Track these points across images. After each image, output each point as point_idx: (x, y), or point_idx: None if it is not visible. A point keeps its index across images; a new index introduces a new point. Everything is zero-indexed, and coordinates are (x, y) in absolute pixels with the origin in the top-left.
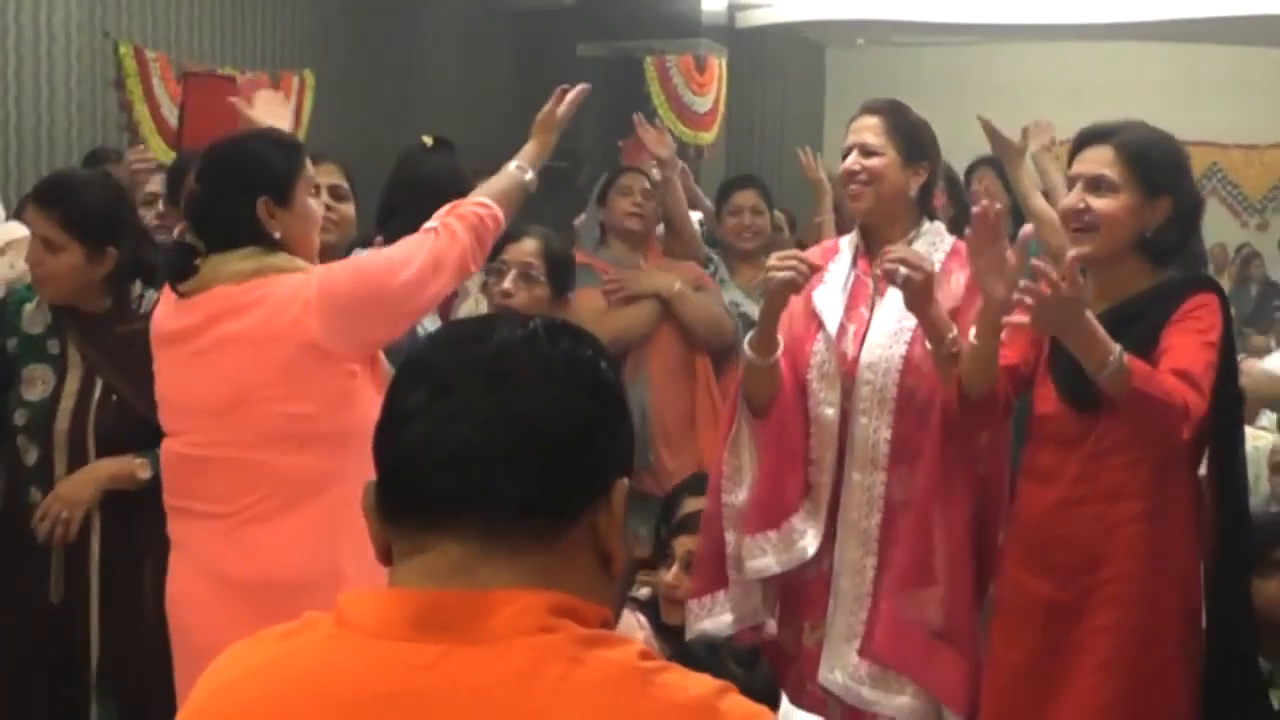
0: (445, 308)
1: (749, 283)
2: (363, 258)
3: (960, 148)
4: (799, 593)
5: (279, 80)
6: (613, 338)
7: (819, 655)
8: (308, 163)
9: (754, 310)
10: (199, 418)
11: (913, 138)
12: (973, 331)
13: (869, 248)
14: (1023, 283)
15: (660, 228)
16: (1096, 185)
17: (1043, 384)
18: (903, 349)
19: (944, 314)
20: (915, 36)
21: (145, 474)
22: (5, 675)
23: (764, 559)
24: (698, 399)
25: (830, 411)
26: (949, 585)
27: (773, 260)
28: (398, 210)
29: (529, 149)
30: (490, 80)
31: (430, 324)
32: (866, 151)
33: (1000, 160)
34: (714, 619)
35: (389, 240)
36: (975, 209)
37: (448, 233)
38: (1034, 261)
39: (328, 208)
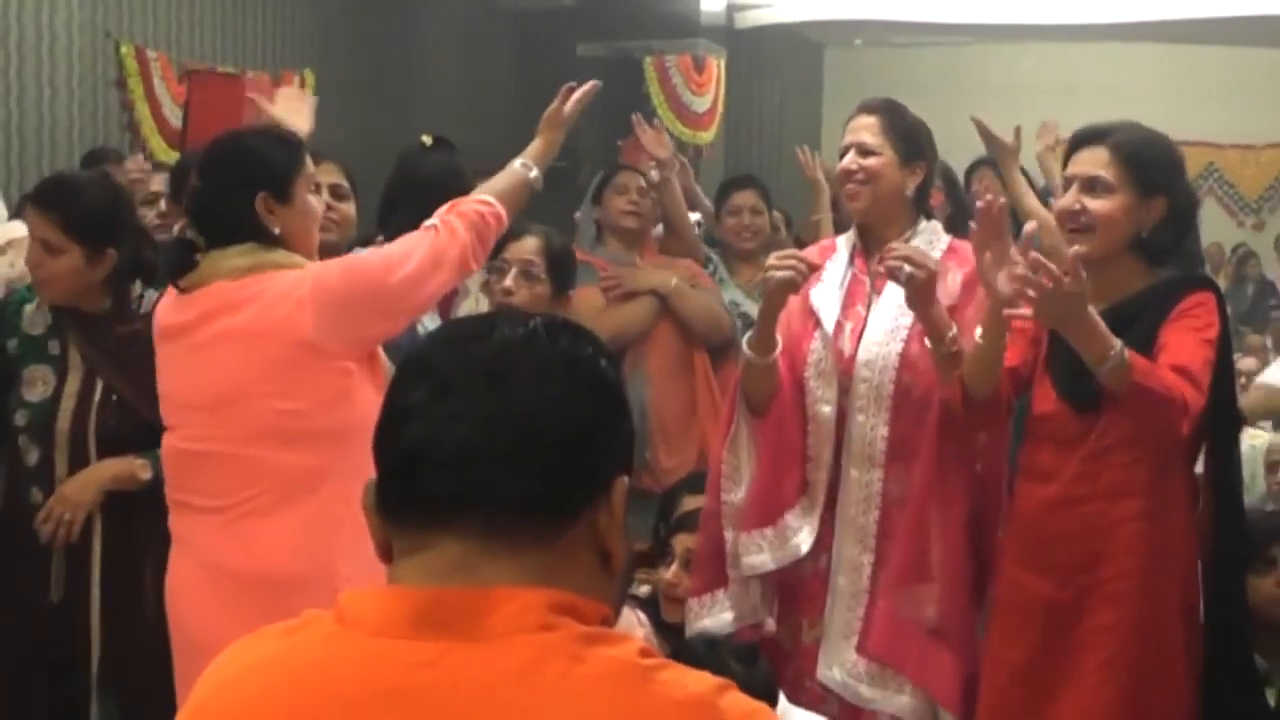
0: (445, 306)
1: (748, 282)
2: (359, 255)
3: (958, 147)
4: (797, 590)
5: (279, 80)
6: (611, 335)
7: (817, 652)
8: (308, 160)
9: (754, 310)
10: (196, 412)
11: (910, 137)
12: (979, 331)
13: (866, 246)
14: (1019, 270)
15: (660, 228)
16: (1092, 186)
17: (1041, 383)
18: (899, 346)
19: (944, 312)
20: (913, 37)
21: (146, 475)
22: (5, 675)
23: (760, 555)
24: (696, 395)
25: (827, 409)
26: (945, 582)
27: (771, 260)
28: (398, 209)
29: (535, 147)
30: (490, 80)
31: (430, 322)
32: (864, 151)
33: (994, 161)
34: (714, 617)
35: (389, 239)
36: (979, 204)
37: (448, 230)
38: (1033, 254)
39: (328, 207)
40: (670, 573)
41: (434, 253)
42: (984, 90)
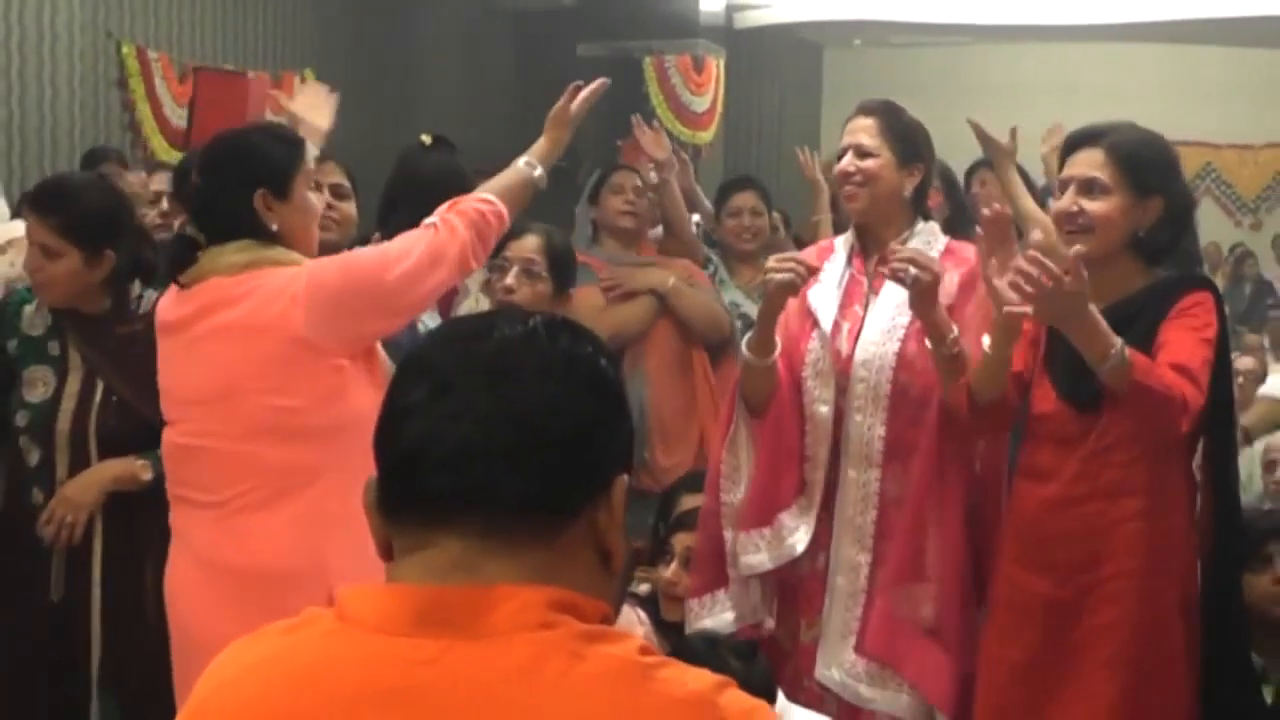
0: (446, 305)
1: (748, 283)
2: (356, 252)
3: (957, 148)
4: (795, 590)
5: (280, 79)
6: (611, 334)
7: (815, 652)
8: (308, 157)
9: (754, 311)
10: (192, 407)
11: (907, 139)
12: (986, 340)
13: (864, 247)
14: (1018, 262)
15: (659, 229)
16: (1089, 188)
17: (1040, 383)
18: (896, 346)
19: (946, 314)
20: (912, 37)
21: (147, 475)
22: (5, 675)
23: (757, 555)
24: (694, 394)
25: (824, 409)
26: (941, 582)
27: (771, 262)
28: (398, 209)
29: (539, 145)
30: (490, 80)
31: (431, 321)
32: (861, 153)
33: (991, 162)
34: (715, 618)
35: (388, 238)
36: (985, 212)
37: (447, 228)
38: (1031, 253)
39: (329, 206)
40: (670, 571)
41: (432, 250)
42: (983, 90)
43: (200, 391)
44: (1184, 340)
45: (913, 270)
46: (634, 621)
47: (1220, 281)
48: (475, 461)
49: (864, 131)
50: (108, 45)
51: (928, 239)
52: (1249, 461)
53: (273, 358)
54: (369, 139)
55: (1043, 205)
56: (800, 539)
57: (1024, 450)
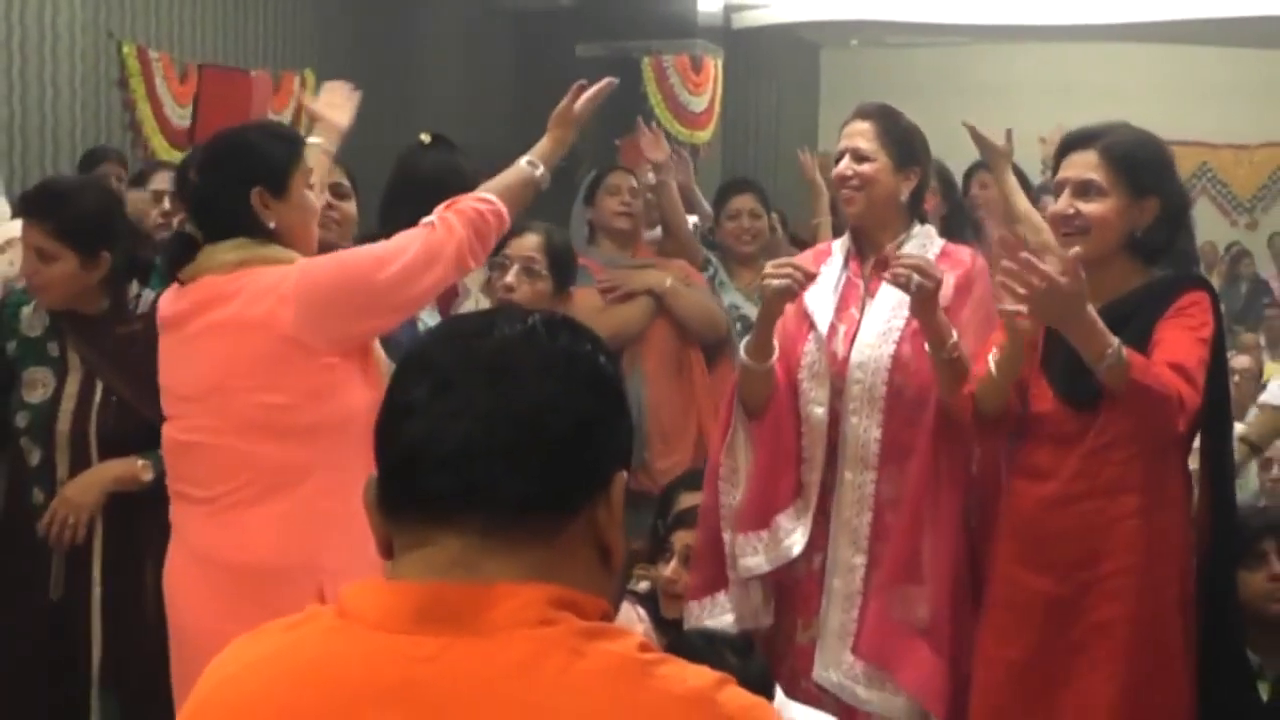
0: (446, 305)
1: (748, 286)
2: (350, 251)
3: (954, 147)
4: (791, 591)
5: (280, 79)
6: (609, 335)
7: (811, 652)
8: (306, 155)
9: (754, 313)
10: (187, 403)
11: (904, 142)
12: (992, 359)
13: (860, 250)
14: (1007, 263)
15: (658, 230)
16: (1085, 190)
17: (1037, 383)
18: (891, 348)
19: (946, 319)
20: (909, 37)
21: (148, 475)
22: (5, 675)
23: (755, 558)
24: (692, 394)
25: (820, 411)
26: (937, 583)
27: (769, 268)
28: (397, 208)
29: (543, 145)
30: (490, 80)
31: (430, 319)
32: (858, 157)
33: (987, 164)
34: (715, 620)
35: (388, 238)
36: (997, 236)
37: (444, 227)
38: (1023, 255)
39: (329, 206)
40: (669, 569)
41: (428, 249)
42: (980, 90)
43: (194, 387)
44: (1180, 340)
45: (916, 278)
46: (633, 619)
47: (1216, 280)
48: (476, 460)
49: (861, 135)
50: (109, 45)
51: (924, 242)
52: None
53: (262, 355)
54: (369, 139)
55: (1038, 204)
56: (797, 541)
57: (1021, 449)
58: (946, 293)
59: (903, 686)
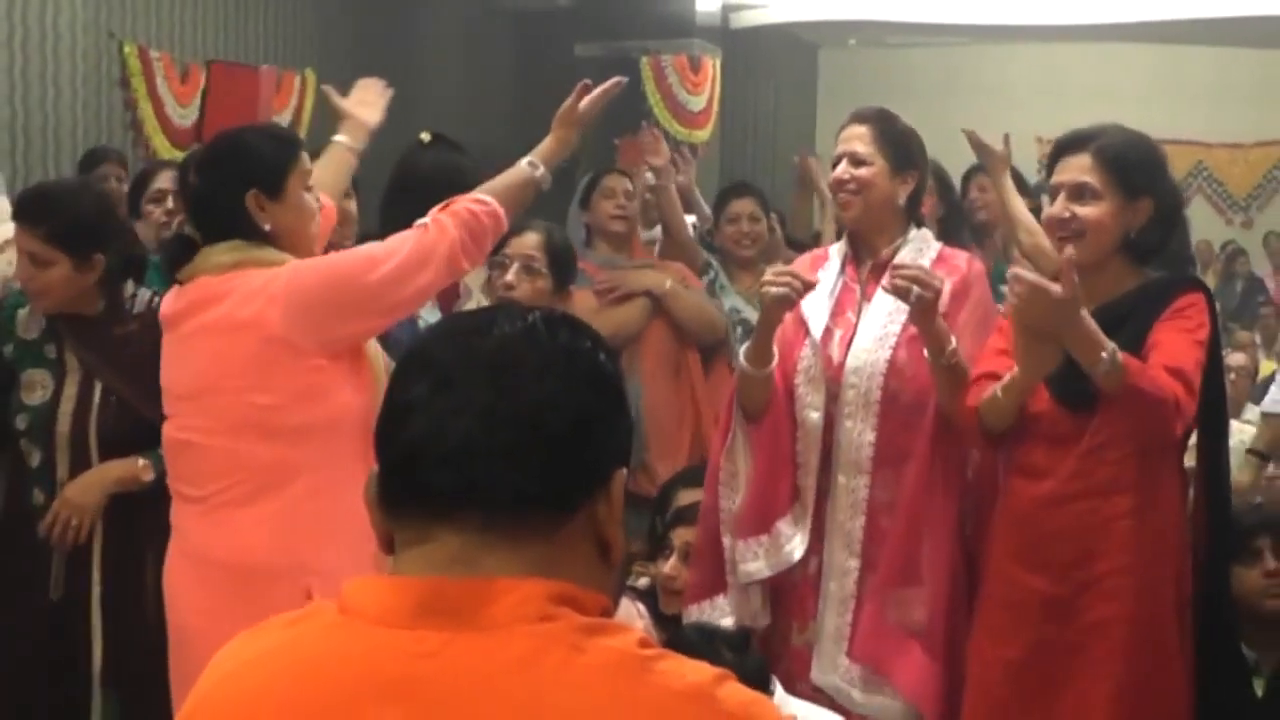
0: (447, 305)
1: (748, 289)
2: (341, 253)
3: (951, 148)
4: (787, 594)
5: (280, 79)
6: (606, 336)
7: (807, 655)
8: (304, 156)
9: (754, 316)
10: (182, 402)
11: (901, 146)
12: (1000, 387)
13: (857, 254)
14: (1014, 270)
15: (656, 230)
16: (1079, 193)
17: None
18: (887, 353)
19: (945, 326)
20: (906, 37)
21: (149, 475)
22: (5, 675)
23: (755, 563)
24: (689, 396)
25: (815, 415)
26: (934, 585)
27: (768, 276)
28: (397, 206)
29: (544, 145)
30: (490, 80)
31: (431, 318)
32: (856, 161)
33: (985, 168)
34: (713, 623)
35: (386, 236)
36: (1013, 272)
37: (437, 228)
38: (1012, 270)
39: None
40: (669, 565)
41: (420, 251)
42: (977, 90)
43: (188, 387)
44: (1176, 342)
45: (916, 289)
46: (633, 615)
47: (1212, 279)
48: (476, 458)
49: (858, 139)
50: (110, 45)
51: (920, 246)
52: (1239, 456)
53: (251, 356)
54: (369, 138)
55: (1036, 203)
56: (797, 546)
57: (1018, 449)
58: (943, 298)
59: (897, 689)
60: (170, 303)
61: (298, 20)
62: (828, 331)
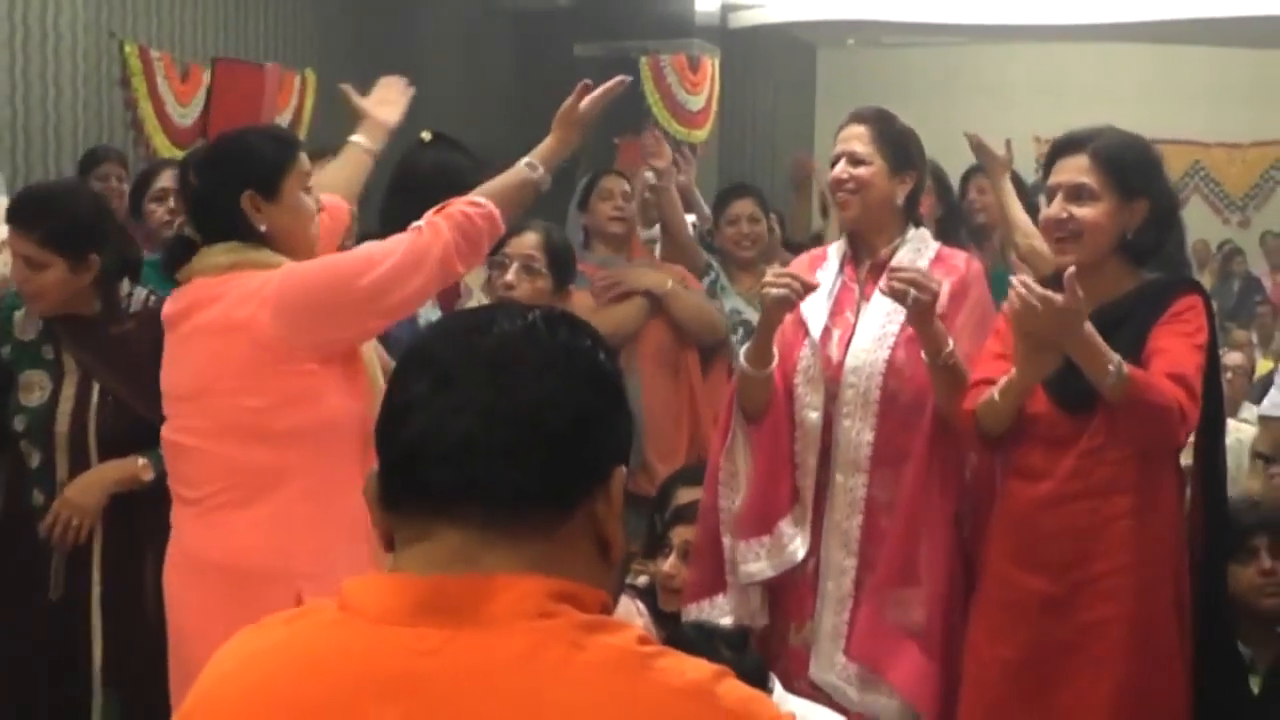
0: (448, 305)
1: (749, 290)
2: (333, 256)
3: (949, 148)
4: (785, 594)
5: (281, 79)
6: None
7: (805, 654)
8: (301, 158)
9: (755, 317)
10: (178, 403)
11: (900, 146)
12: (997, 391)
13: (855, 254)
14: (1017, 279)
15: (655, 229)
16: (1077, 194)
17: None
18: (886, 353)
19: (942, 327)
20: (905, 37)
21: (149, 475)
22: (5, 675)
23: (757, 563)
24: (687, 396)
25: (814, 415)
26: (932, 585)
27: (768, 277)
28: (397, 206)
29: (544, 145)
30: (489, 80)
31: (431, 317)
32: (854, 160)
33: (985, 172)
34: (712, 622)
35: (387, 235)
36: (1016, 281)
37: (431, 231)
38: (1016, 278)
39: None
40: (668, 564)
41: (412, 254)
42: (975, 90)
43: (184, 388)
44: (1177, 348)
45: (913, 292)
46: (633, 613)
47: (1209, 278)
48: (476, 456)
49: (857, 139)
50: (110, 44)
51: (919, 246)
52: (1237, 455)
53: (242, 359)
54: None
55: (1032, 202)
56: (799, 546)
57: (1015, 450)
58: (942, 298)
59: (894, 688)
60: (170, 303)
61: (298, 20)
62: (826, 331)
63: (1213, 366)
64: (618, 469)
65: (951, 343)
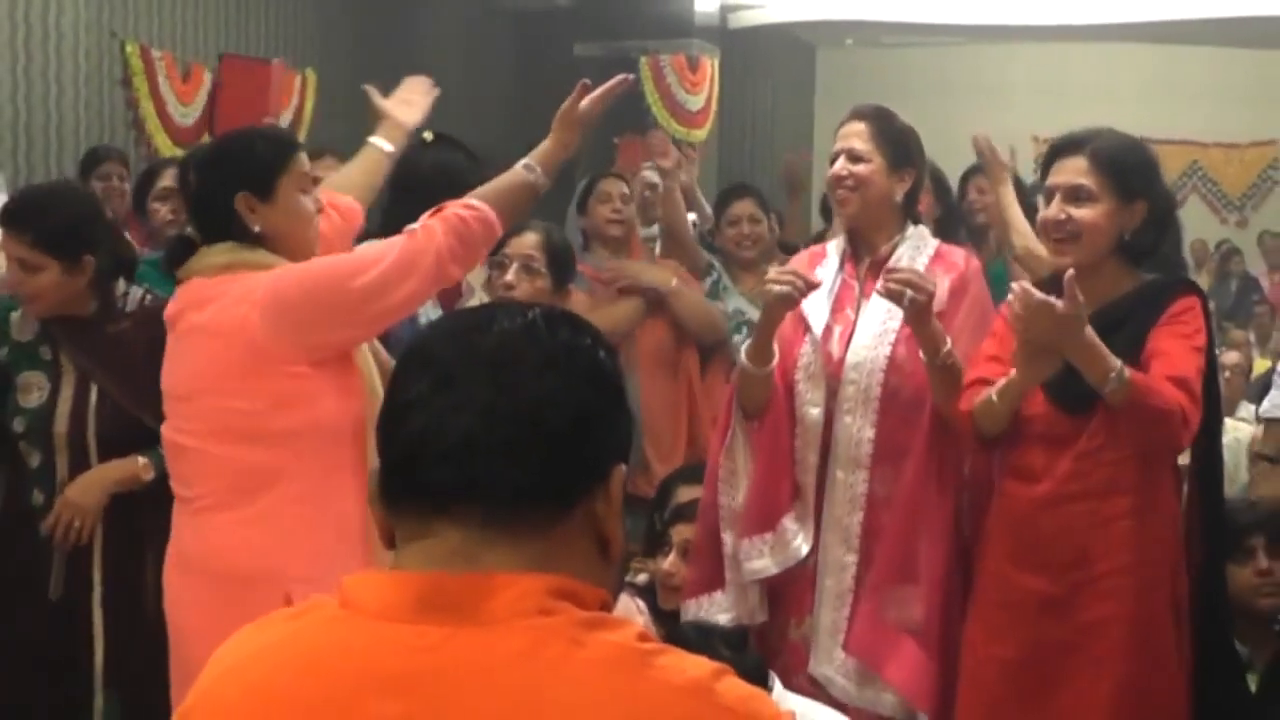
0: (449, 304)
1: (751, 290)
2: (325, 258)
3: (948, 148)
4: (785, 589)
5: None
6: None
7: (804, 650)
8: (299, 159)
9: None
10: (175, 403)
11: (899, 144)
12: (995, 392)
13: (855, 251)
14: (1017, 286)
15: (654, 227)
16: (1075, 195)
17: None
18: (887, 350)
19: (940, 327)
20: (903, 37)
21: (149, 475)
22: (5, 675)
23: (761, 560)
24: (686, 396)
25: (815, 411)
26: (930, 582)
27: (770, 274)
28: (397, 207)
29: (543, 147)
30: (489, 80)
31: (433, 315)
32: (853, 157)
33: (987, 175)
34: (711, 618)
35: (387, 235)
36: (1015, 286)
37: (425, 234)
38: (1011, 284)
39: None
40: (668, 562)
41: (405, 257)
42: (974, 90)
43: (179, 388)
44: (1177, 350)
45: (909, 293)
46: (633, 611)
47: (1207, 278)
48: (476, 454)
49: (856, 136)
50: (112, 44)
51: (918, 243)
52: (1234, 454)
53: (230, 361)
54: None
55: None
56: (802, 543)
57: (1013, 451)
58: (941, 295)
59: (890, 683)
60: (171, 303)
61: (298, 20)
62: (827, 329)
63: (1210, 367)
64: (617, 467)
65: (950, 342)
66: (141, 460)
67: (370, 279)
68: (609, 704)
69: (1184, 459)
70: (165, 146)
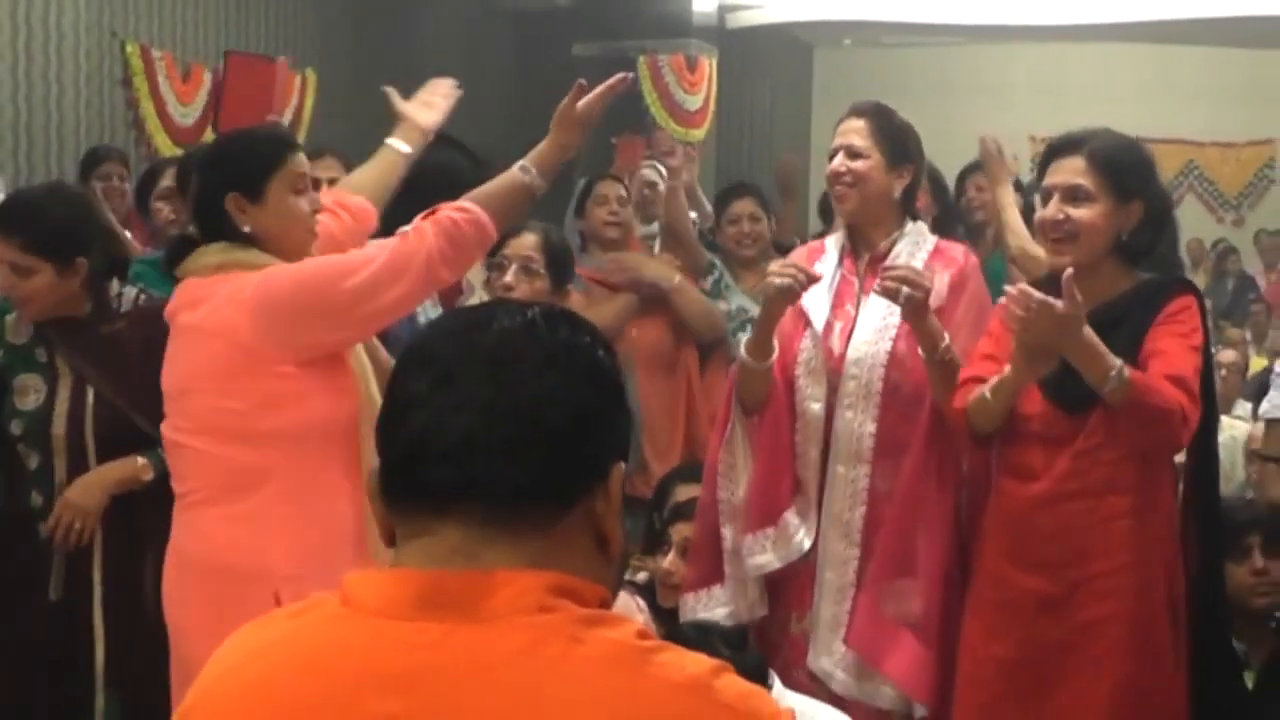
0: (449, 303)
1: (753, 288)
2: (315, 260)
3: (946, 148)
4: (786, 583)
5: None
6: None
7: (804, 644)
8: (293, 159)
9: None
10: (170, 401)
11: (897, 141)
12: (989, 389)
13: (854, 247)
14: (1014, 288)
15: (654, 225)
16: (1073, 195)
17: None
18: (888, 345)
19: (937, 323)
20: (902, 37)
21: (149, 475)
22: (5, 675)
23: (764, 555)
24: (684, 394)
25: (816, 406)
26: (929, 577)
27: (772, 268)
28: (397, 206)
29: (540, 148)
30: (489, 80)
31: (432, 315)
32: (852, 154)
33: (987, 175)
34: (710, 613)
35: (387, 235)
36: (1011, 289)
37: (417, 237)
38: (1007, 286)
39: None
40: (668, 560)
41: (396, 260)
42: (972, 90)
43: (174, 387)
44: (1175, 350)
45: (905, 289)
46: (632, 609)
47: (1203, 277)
48: (476, 453)
49: (855, 133)
50: (112, 44)
51: (916, 239)
52: (1231, 452)
53: (222, 360)
54: (369, 139)
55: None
56: (805, 537)
57: (1010, 449)
58: (940, 291)
59: (889, 677)
60: (171, 302)
61: (298, 20)
62: (827, 324)
63: (1206, 366)
64: (617, 466)
65: (948, 337)
66: (141, 461)
67: (360, 280)
68: (608, 701)
69: (1180, 457)
70: (165, 146)
